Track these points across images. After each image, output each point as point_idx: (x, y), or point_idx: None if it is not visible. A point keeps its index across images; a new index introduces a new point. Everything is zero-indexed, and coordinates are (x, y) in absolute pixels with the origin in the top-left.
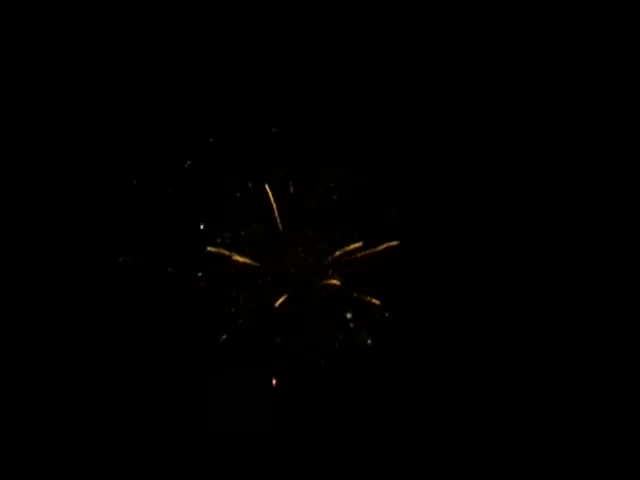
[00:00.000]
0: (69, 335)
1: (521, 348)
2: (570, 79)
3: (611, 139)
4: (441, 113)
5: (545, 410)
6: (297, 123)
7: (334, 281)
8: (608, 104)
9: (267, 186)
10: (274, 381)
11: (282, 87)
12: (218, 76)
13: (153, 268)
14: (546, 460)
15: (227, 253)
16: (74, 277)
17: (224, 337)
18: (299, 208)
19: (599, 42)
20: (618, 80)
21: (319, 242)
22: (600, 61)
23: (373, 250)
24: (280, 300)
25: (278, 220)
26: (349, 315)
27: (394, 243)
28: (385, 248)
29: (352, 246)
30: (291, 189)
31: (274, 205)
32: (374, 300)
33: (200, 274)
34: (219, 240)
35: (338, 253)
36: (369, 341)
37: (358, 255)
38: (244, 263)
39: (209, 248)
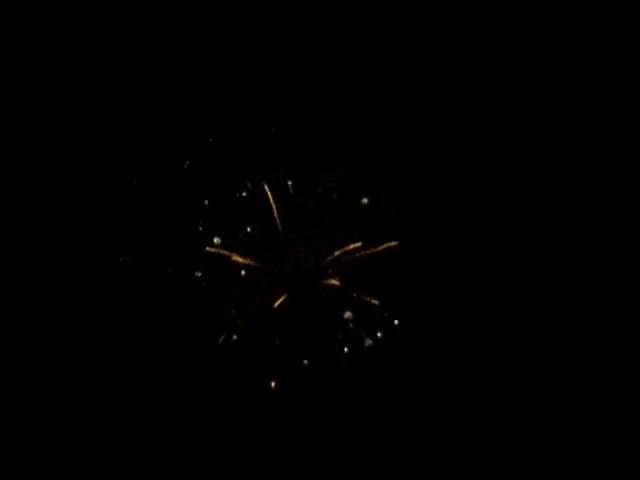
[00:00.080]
0: (69, 335)
1: (521, 348)
2: (570, 79)
3: (611, 139)
4: (441, 113)
5: (545, 410)
6: (297, 123)
7: (334, 281)
8: (608, 104)
9: (266, 186)
10: (273, 384)
11: (282, 87)
12: (218, 76)
13: (153, 268)
14: (546, 460)
15: (227, 253)
16: (74, 277)
17: (223, 337)
18: (298, 208)
19: (599, 42)
20: (618, 80)
21: (319, 242)
22: (600, 61)
23: (373, 250)
24: (279, 300)
25: (277, 220)
26: (349, 315)
27: (394, 243)
28: (385, 248)
29: (352, 246)
30: (290, 189)
31: (273, 205)
32: (374, 300)
33: (200, 274)
34: (219, 240)
35: (338, 253)
36: (369, 341)
37: (358, 255)
38: (244, 263)
39: (208, 248)
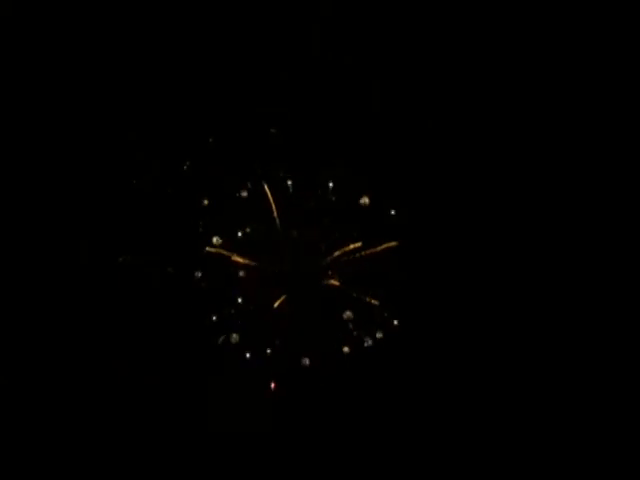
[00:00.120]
0: (69, 335)
1: (521, 348)
2: (570, 79)
3: (611, 139)
4: (441, 113)
5: (546, 411)
6: (296, 123)
7: (333, 281)
8: (608, 104)
9: (266, 186)
10: (272, 385)
11: (282, 87)
12: (218, 76)
13: (153, 268)
14: (546, 460)
15: (227, 253)
16: (74, 277)
17: (223, 337)
18: (298, 208)
19: (599, 42)
20: (618, 81)
21: (318, 242)
22: (600, 61)
23: (372, 250)
24: (279, 300)
25: (277, 220)
26: (349, 315)
27: (393, 243)
28: (385, 248)
29: (351, 246)
30: (290, 189)
31: (273, 205)
32: (374, 300)
33: (200, 274)
34: (218, 240)
35: (337, 253)
36: (369, 341)
37: (357, 255)
38: (244, 263)
39: (208, 248)
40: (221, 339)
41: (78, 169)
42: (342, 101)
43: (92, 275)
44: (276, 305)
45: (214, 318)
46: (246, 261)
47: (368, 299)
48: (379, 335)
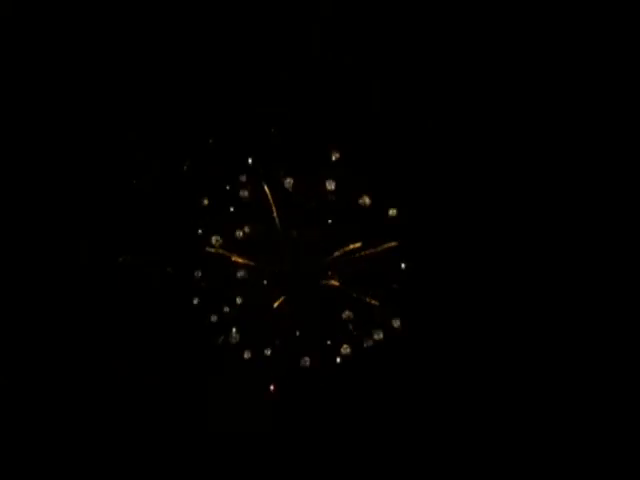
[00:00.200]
0: (69, 335)
1: (522, 349)
2: (570, 80)
3: (611, 140)
4: (441, 113)
5: (546, 411)
6: (297, 123)
7: (333, 281)
8: (608, 104)
9: (266, 186)
10: (272, 384)
11: (282, 87)
12: (218, 76)
13: (153, 268)
14: (546, 460)
15: (226, 253)
16: (74, 277)
17: (222, 338)
18: (298, 208)
19: (599, 42)
20: (618, 81)
21: (318, 242)
22: (600, 62)
23: (373, 250)
24: (279, 301)
25: (277, 220)
26: (349, 315)
27: (394, 243)
28: (385, 248)
29: (352, 246)
30: (290, 189)
31: (273, 205)
32: (373, 301)
33: (200, 274)
34: (218, 240)
35: (337, 253)
36: (369, 342)
37: (357, 255)
38: (243, 263)
39: (208, 248)
40: (221, 339)
41: (78, 169)
42: (342, 101)
43: (92, 275)
44: (276, 305)
45: (214, 318)
46: (245, 261)
47: (368, 299)
48: (379, 335)
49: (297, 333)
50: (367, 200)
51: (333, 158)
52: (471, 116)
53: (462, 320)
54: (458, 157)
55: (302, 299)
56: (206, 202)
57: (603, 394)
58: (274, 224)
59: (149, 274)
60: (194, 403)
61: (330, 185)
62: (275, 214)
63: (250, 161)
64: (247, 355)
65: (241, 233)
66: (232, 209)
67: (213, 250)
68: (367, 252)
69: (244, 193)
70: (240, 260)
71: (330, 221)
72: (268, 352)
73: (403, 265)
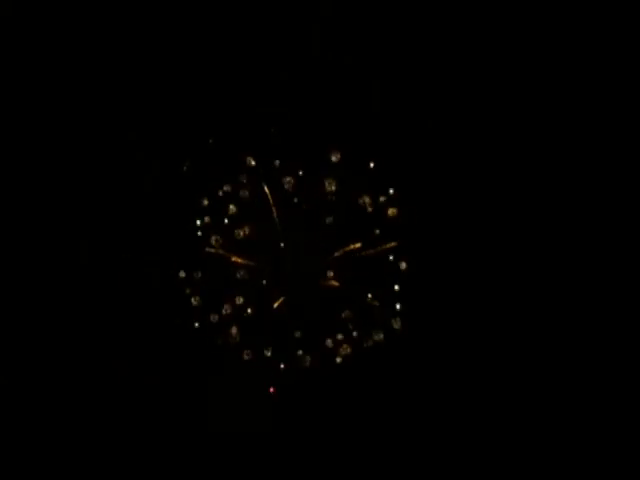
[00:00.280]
0: (69, 335)
1: (522, 349)
2: (570, 80)
3: (611, 140)
4: (441, 113)
5: (547, 411)
6: (297, 123)
7: (333, 282)
8: (608, 105)
9: (266, 186)
10: (271, 389)
11: (282, 87)
12: (218, 76)
13: (153, 268)
14: (546, 460)
15: (226, 253)
16: (74, 277)
17: (222, 338)
18: (298, 208)
19: (599, 42)
20: (618, 81)
21: (318, 242)
22: (600, 62)
23: (373, 250)
24: (279, 301)
25: (277, 220)
26: (349, 315)
27: (394, 243)
28: (385, 248)
29: (352, 246)
30: (290, 189)
31: (273, 205)
32: (373, 301)
33: (200, 274)
34: (218, 240)
35: (337, 253)
36: (368, 342)
37: (357, 255)
38: (243, 263)
39: (208, 249)
40: (220, 340)
41: (78, 169)
42: (342, 101)
43: (92, 275)
44: (276, 305)
45: (214, 318)
46: (246, 261)
47: (368, 299)
48: (379, 336)
49: (297, 333)
50: (367, 200)
51: (333, 158)
52: (471, 116)
53: (462, 320)
54: (458, 157)
55: (302, 299)
56: (206, 202)
57: (603, 394)
58: (274, 224)
59: (149, 274)
60: (194, 403)
61: (330, 185)
62: (275, 214)
63: (250, 161)
64: (247, 355)
65: (241, 233)
66: (232, 209)
67: (213, 250)
68: (367, 252)
69: (244, 193)
70: (240, 260)
71: (330, 221)
72: (268, 353)
73: (403, 265)
